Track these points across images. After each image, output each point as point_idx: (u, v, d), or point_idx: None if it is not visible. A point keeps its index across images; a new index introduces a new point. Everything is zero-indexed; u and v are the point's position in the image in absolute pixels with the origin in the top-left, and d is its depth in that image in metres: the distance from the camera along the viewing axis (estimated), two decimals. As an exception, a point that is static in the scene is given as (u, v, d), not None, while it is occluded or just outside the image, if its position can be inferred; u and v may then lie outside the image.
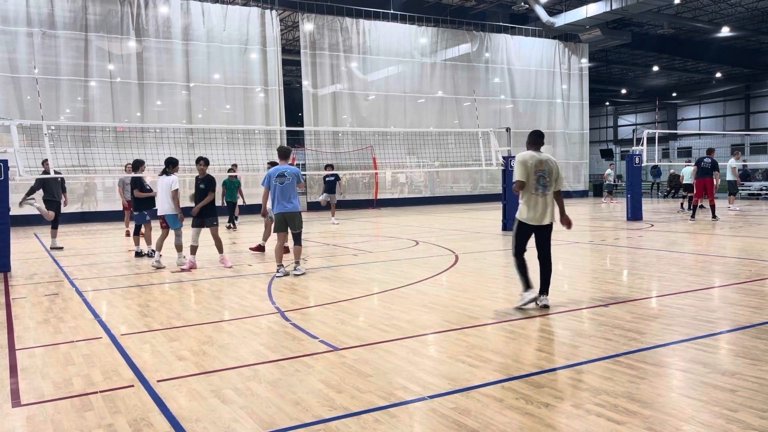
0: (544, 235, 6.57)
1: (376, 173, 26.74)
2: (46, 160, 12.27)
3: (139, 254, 11.42)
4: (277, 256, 8.95)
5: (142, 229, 11.65)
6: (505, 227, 15.06)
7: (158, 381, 4.41)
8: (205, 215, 9.82)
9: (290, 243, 9.77)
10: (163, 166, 9.98)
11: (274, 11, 24.34)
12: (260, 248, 11.62)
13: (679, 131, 46.95)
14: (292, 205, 8.77)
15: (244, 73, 23.99)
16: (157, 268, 9.85)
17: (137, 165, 11.41)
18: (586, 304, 6.66)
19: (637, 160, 17.62)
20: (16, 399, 4.14)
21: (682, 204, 21.45)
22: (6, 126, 11.80)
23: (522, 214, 6.48)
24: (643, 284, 8.00)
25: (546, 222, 6.50)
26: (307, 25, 25.27)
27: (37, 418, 3.81)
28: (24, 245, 13.81)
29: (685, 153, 46.52)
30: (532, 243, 6.59)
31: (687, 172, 20.68)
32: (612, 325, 5.69)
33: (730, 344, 5.09)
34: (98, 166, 18.74)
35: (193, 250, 9.87)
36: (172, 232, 10.13)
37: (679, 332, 5.40)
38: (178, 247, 10.05)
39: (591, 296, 7.08)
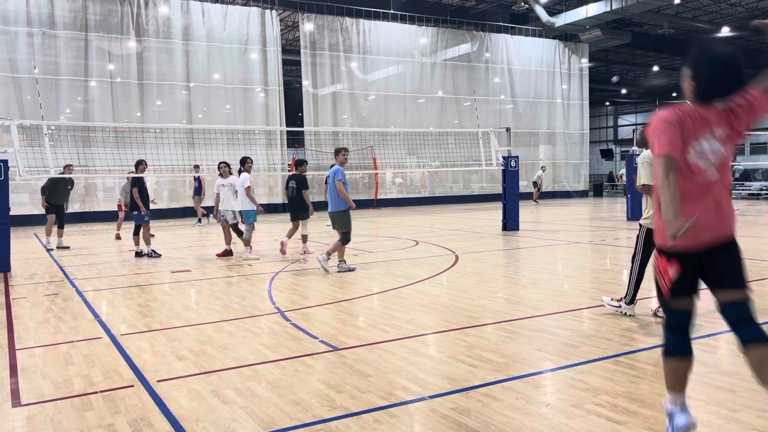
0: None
1: (376, 173, 26.73)
2: (70, 165, 13.00)
3: (139, 254, 11.43)
4: (340, 253, 9.35)
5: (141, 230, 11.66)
6: (505, 227, 15.07)
7: (158, 381, 4.42)
8: (299, 209, 10.96)
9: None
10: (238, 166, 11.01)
11: (274, 11, 24.34)
12: (227, 253, 11.15)
13: (679, 131, 46.87)
14: (333, 205, 9.23)
15: (244, 73, 23.98)
16: (252, 260, 10.49)
17: (138, 164, 11.71)
18: (586, 304, 6.66)
19: (637, 160, 17.62)
20: (16, 399, 4.14)
21: None
22: (6, 126, 11.80)
23: (652, 220, 5.65)
24: (643, 284, 7.98)
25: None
26: (307, 25, 25.27)
27: (37, 418, 3.81)
28: (24, 245, 13.81)
29: (685, 153, 46.45)
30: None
31: None
32: (612, 325, 5.69)
33: (730, 344, 5.09)
34: (98, 166, 18.76)
35: (305, 239, 11.22)
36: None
37: (679, 332, 5.40)
38: (246, 242, 10.67)
39: (591, 296, 7.08)
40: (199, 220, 18.40)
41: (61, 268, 10.28)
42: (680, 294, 3.07)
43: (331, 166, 9.52)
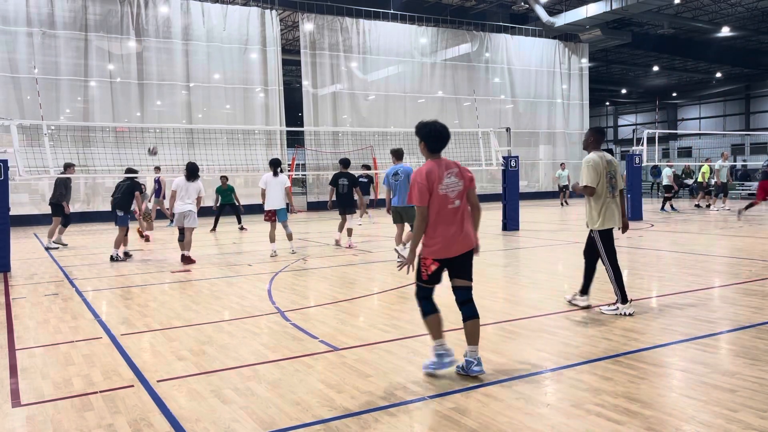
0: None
1: (377, 173, 26.73)
2: (72, 165, 12.92)
3: (124, 256, 11.14)
4: (397, 241, 9.89)
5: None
6: (505, 227, 15.06)
7: (158, 381, 4.41)
8: (347, 205, 11.81)
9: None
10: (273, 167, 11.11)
11: (274, 11, 24.34)
12: (188, 259, 10.52)
13: (679, 131, 46.92)
14: (403, 200, 9.55)
15: (244, 73, 23.98)
16: (273, 256, 10.92)
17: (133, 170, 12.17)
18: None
19: (637, 160, 17.61)
20: (16, 399, 4.14)
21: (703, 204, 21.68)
22: (6, 126, 11.80)
23: (600, 221, 6.07)
24: (643, 284, 8.00)
25: (615, 225, 6.14)
26: (307, 25, 25.26)
27: (37, 418, 3.81)
28: (24, 245, 13.81)
29: (686, 153, 46.51)
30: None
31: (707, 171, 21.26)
32: (612, 325, 5.69)
33: (730, 344, 5.09)
34: (98, 166, 18.74)
35: (350, 232, 12.05)
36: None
37: (679, 332, 5.40)
38: (290, 236, 11.31)
39: (591, 296, 7.07)
40: (171, 221, 17.92)
41: (61, 268, 10.28)
42: (433, 281, 4.51)
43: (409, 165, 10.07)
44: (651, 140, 20.63)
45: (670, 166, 23.93)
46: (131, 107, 22.20)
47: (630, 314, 6.06)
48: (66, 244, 13.23)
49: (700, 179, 21.87)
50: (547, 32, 30.83)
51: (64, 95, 21.13)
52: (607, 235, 6.12)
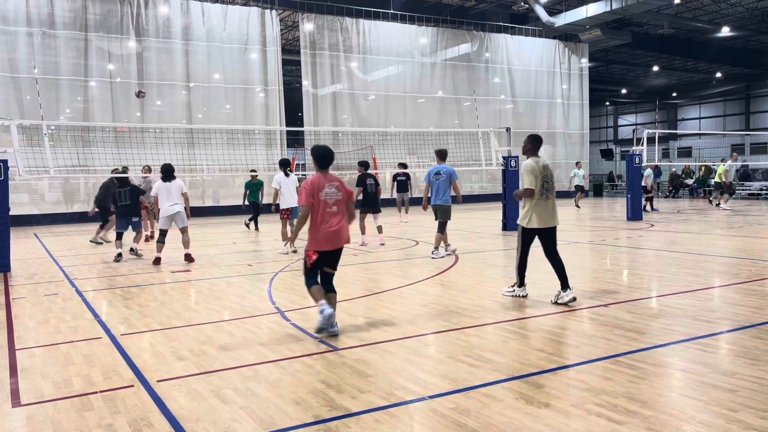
0: (552, 236, 6.77)
1: (377, 173, 26.71)
2: (117, 169, 13.38)
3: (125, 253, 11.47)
4: (437, 241, 10.35)
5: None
6: (505, 227, 15.06)
7: (158, 381, 4.41)
8: (375, 204, 12.30)
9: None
10: (282, 168, 11.70)
11: (274, 11, 24.34)
12: (157, 261, 10.46)
13: (679, 131, 46.92)
14: (443, 199, 10.14)
15: (244, 73, 23.99)
16: (284, 253, 11.25)
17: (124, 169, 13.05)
18: (586, 304, 6.66)
19: (637, 160, 17.61)
20: (16, 399, 4.14)
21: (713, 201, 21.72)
22: (6, 126, 11.80)
23: (528, 220, 6.67)
24: (643, 284, 8.00)
25: (554, 224, 6.79)
26: (307, 25, 25.27)
27: (37, 418, 3.81)
28: (24, 245, 13.81)
29: (686, 153, 46.50)
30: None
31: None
32: (612, 325, 5.69)
33: (730, 344, 5.09)
34: (98, 166, 18.74)
35: (380, 229, 12.49)
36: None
37: (679, 332, 5.40)
38: (285, 236, 11.61)
39: (591, 296, 7.08)
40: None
41: (61, 268, 10.28)
42: (315, 268, 5.64)
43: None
44: (651, 140, 20.62)
45: (653, 168, 23.95)
46: (131, 107, 22.21)
47: (524, 296, 6.91)
48: (101, 242, 13.71)
49: (717, 179, 21.88)
50: (547, 32, 30.83)
51: (64, 95, 21.14)
52: (530, 234, 6.74)
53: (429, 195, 10.28)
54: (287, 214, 11.60)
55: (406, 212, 18.20)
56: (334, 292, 5.74)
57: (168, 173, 10.45)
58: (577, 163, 25.77)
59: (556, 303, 6.55)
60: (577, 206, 22.98)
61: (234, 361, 4.85)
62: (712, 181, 29.78)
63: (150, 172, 16.10)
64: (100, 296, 7.82)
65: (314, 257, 5.57)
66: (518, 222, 6.85)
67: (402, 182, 17.94)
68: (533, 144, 6.75)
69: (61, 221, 20.33)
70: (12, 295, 7.93)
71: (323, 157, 5.72)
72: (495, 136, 16.30)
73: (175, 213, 10.31)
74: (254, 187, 16.22)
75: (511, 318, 6.10)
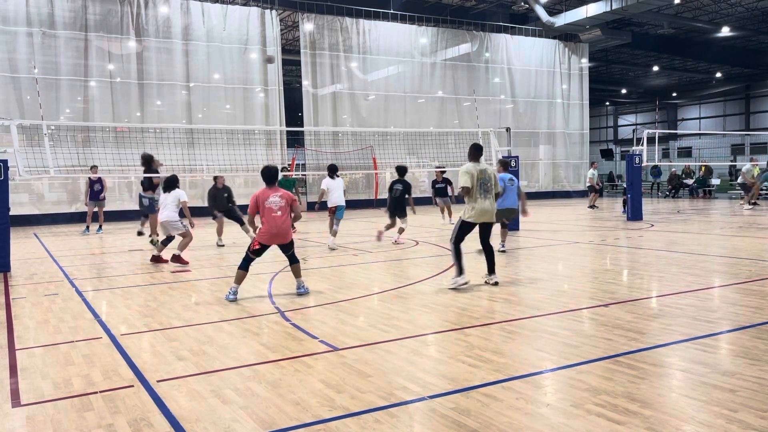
0: (487, 229, 7.74)
1: (377, 173, 26.73)
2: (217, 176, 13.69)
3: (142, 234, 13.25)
4: (504, 236, 11.17)
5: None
6: (504, 227, 15.04)
7: (158, 381, 4.41)
8: (401, 209, 12.61)
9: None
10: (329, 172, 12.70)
11: (274, 11, 24.34)
12: (160, 259, 10.70)
13: (679, 131, 46.92)
14: (511, 202, 10.71)
15: (244, 73, 23.98)
16: (332, 249, 11.93)
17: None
18: (586, 304, 6.66)
19: (637, 160, 17.61)
20: (16, 399, 4.14)
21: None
22: (6, 126, 11.80)
23: (468, 215, 7.53)
24: (643, 284, 8.00)
25: (490, 221, 7.64)
26: (307, 25, 25.26)
27: (37, 418, 3.81)
28: (24, 245, 13.81)
29: (686, 153, 46.51)
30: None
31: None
32: (612, 325, 5.70)
33: (730, 344, 5.09)
34: (98, 166, 18.72)
35: (401, 231, 12.88)
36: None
37: (679, 332, 5.40)
38: (335, 233, 12.42)
39: (591, 296, 7.08)
40: (88, 228, 16.41)
41: (61, 268, 10.28)
42: (257, 254, 7.29)
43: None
44: (651, 140, 20.61)
45: (595, 168, 23.96)
46: (131, 107, 22.20)
47: (465, 283, 7.44)
48: (141, 233, 13.75)
49: (742, 180, 21.96)
50: (547, 32, 30.83)
51: (64, 95, 21.13)
52: (467, 227, 7.56)
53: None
54: (333, 211, 12.51)
55: (450, 216, 17.66)
56: (296, 262, 7.51)
57: (168, 185, 10.46)
58: (593, 164, 25.49)
59: (486, 283, 7.57)
60: (593, 207, 22.50)
61: (234, 361, 4.85)
62: (690, 182, 29.91)
63: (96, 171, 16.08)
64: (100, 296, 7.82)
65: (257, 246, 7.28)
66: (461, 216, 7.64)
67: (442, 189, 17.66)
68: (473, 152, 7.58)
69: (61, 221, 20.33)
70: (12, 295, 7.94)
71: (267, 175, 7.38)
72: (495, 136, 16.29)
73: (165, 222, 10.33)
74: (288, 184, 15.89)
75: (511, 318, 6.10)
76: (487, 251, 7.82)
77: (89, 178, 15.94)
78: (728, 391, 3.96)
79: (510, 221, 11.35)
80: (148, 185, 12.78)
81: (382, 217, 20.63)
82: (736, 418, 3.54)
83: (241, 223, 13.45)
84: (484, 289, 7.65)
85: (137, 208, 14.67)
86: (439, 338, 5.47)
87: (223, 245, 13.18)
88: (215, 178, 13.62)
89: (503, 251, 10.94)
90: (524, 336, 5.46)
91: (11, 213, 10.35)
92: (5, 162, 9.94)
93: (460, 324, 5.90)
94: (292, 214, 7.43)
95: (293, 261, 7.51)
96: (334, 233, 12.42)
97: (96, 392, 4.22)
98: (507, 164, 11.32)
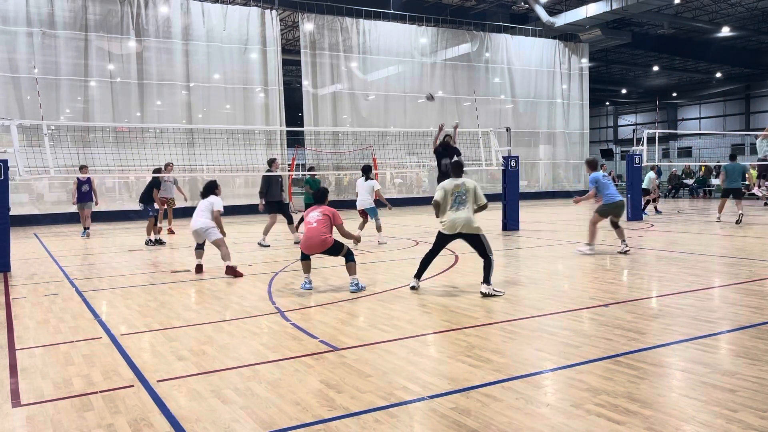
0: (470, 241, 7.59)
1: (377, 173, 26.71)
2: (274, 159, 13.62)
3: (151, 242, 13.42)
4: (590, 236, 10.78)
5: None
6: (505, 227, 15.07)
7: (158, 381, 4.41)
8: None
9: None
10: (363, 173, 12.95)
11: (274, 11, 24.34)
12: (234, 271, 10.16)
13: (679, 131, 46.92)
14: (611, 197, 10.70)
15: (244, 73, 23.98)
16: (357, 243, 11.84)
17: (159, 170, 14.10)
18: (586, 304, 6.66)
19: (637, 160, 17.61)
20: (16, 399, 4.14)
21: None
22: (6, 126, 11.80)
23: (441, 225, 7.66)
24: (643, 284, 8.00)
25: (461, 231, 7.51)
26: (307, 25, 25.26)
27: (37, 418, 3.81)
28: (24, 245, 13.81)
29: (686, 153, 46.50)
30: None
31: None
32: (612, 325, 5.70)
33: (730, 344, 5.09)
34: (98, 166, 18.73)
35: (378, 228, 13.09)
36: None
37: (679, 332, 5.40)
38: (379, 228, 12.92)
39: (591, 296, 7.08)
40: (85, 230, 15.75)
41: (61, 268, 10.28)
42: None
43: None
44: (651, 140, 20.60)
45: (604, 170, 23.85)
46: (131, 107, 22.20)
47: (412, 287, 7.58)
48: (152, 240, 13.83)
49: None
50: (547, 32, 30.83)
51: (64, 95, 21.13)
52: (439, 236, 7.65)
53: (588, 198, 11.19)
54: (362, 214, 12.95)
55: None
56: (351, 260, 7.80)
57: (206, 189, 9.60)
58: (602, 166, 25.32)
59: (483, 294, 7.25)
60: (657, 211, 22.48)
61: (234, 361, 4.85)
62: (690, 182, 29.88)
63: (86, 171, 15.42)
64: (100, 296, 7.82)
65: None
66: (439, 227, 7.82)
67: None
68: (454, 170, 7.79)
69: (61, 221, 20.33)
70: (12, 295, 7.94)
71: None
72: (495, 136, 16.29)
73: (197, 229, 9.37)
74: (314, 184, 15.06)
75: (511, 318, 6.10)
76: (485, 263, 7.52)
77: (77, 178, 15.22)
78: (728, 391, 3.96)
79: (618, 218, 10.98)
80: (147, 199, 13.56)
81: (382, 217, 20.63)
82: (736, 418, 3.54)
83: (290, 221, 13.22)
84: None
85: (138, 208, 14.71)
86: (439, 338, 5.47)
87: (267, 246, 12.50)
88: (271, 161, 13.29)
89: (627, 251, 10.46)
90: (524, 336, 5.46)
91: (11, 213, 10.35)
92: (5, 162, 9.94)
93: (460, 324, 5.90)
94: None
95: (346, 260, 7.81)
96: (377, 228, 12.89)
97: (96, 392, 4.22)
98: (594, 163, 11.29)
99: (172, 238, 15.02)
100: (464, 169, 7.81)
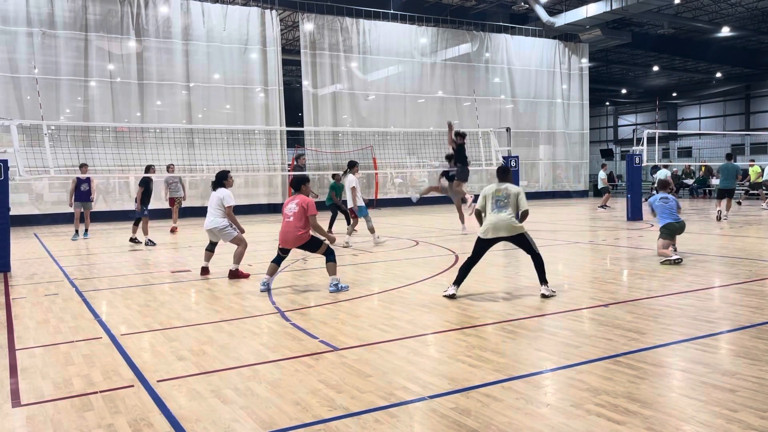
0: (517, 242, 7.45)
1: (377, 173, 26.73)
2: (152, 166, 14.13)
3: (133, 240, 13.57)
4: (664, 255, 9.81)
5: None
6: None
7: (158, 381, 4.42)
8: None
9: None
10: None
11: (274, 11, 24.33)
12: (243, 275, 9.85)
13: (679, 131, 46.90)
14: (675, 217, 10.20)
15: (244, 73, 23.97)
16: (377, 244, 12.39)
17: (149, 168, 13.95)
18: (586, 304, 6.66)
19: (637, 160, 17.61)
20: (16, 399, 4.14)
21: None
22: (6, 126, 11.80)
23: (480, 231, 7.44)
24: (643, 284, 8.00)
25: (505, 234, 7.33)
26: (307, 25, 25.26)
27: (37, 418, 3.81)
28: (24, 245, 13.81)
29: (686, 153, 46.48)
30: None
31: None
32: (612, 325, 5.70)
33: (730, 344, 5.10)
34: (98, 166, 18.73)
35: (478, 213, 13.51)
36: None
37: (679, 332, 5.40)
38: (371, 230, 12.72)
39: (591, 296, 7.08)
40: (77, 232, 15.15)
41: (61, 268, 10.28)
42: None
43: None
44: (651, 140, 20.60)
45: (605, 170, 23.89)
46: (131, 107, 22.18)
47: (451, 296, 7.09)
48: (135, 240, 13.82)
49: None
50: (547, 32, 30.82)
51: (64, 95, 21.12)
52: (479, 242, 7.39)
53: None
54: (352, 213, 12.92)
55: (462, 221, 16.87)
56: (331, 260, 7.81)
57: (216, 180, 9.07)
58: (603, 165, 25.31)
59: (544, 296, 7.07)
60: (605, 207, 22.09)
61: (234, 361, 4.85)
62: (690, 182, 29.97)
63: (86, 171, 14.91)
64: (100, 296, 7.82)
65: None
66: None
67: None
68: (499, 174, 7.68)
69: (61, 221, 20.31)
70: (12, 295, 7.94)
71: (300, 180, 7.95)
72: (495, 136, 16.30)
73: (211, 228, 8.97)
74: (339, 189, 14.68)
75: (511, 318, 6.10)
76: (534, 261, 7.44)
77: (77, 177, 14.64)
78: (728, 391, 3.96)
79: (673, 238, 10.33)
80: (143, 200, 13.70)
81: (380, 217, 20.65)
82: (736, 418, 3.54)
83: (349, 221, 13.29)
84: (484, 290, 7.65)
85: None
86: (439, 338, 5.47)
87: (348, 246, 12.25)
88: (353, 164, 13.34)
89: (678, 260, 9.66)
90: (524, 336, 5.46)
91: (11, 213, 10.35)
92: (5, 162, 9.94)
93: (460, 324, 5.91)
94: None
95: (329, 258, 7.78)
96: (369, 230, 12.77)
97: (96, 392, 4.22)
98: (660, 183, 11.01)
99: (174, 237, 15.02)
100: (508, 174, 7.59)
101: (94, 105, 21.57)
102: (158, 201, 20.98)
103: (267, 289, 7.71)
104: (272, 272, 7.86)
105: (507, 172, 7.69)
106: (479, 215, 7.52)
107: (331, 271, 7.69)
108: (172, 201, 16.77)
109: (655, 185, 19.03)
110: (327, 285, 7.80)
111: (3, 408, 3.99)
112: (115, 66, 22.08)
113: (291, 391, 4.16)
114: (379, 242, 12.64)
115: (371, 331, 5.70)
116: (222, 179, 8.96)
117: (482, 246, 7.40)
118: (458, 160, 14.02)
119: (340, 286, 7.68)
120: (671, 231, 10.25)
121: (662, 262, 9.53)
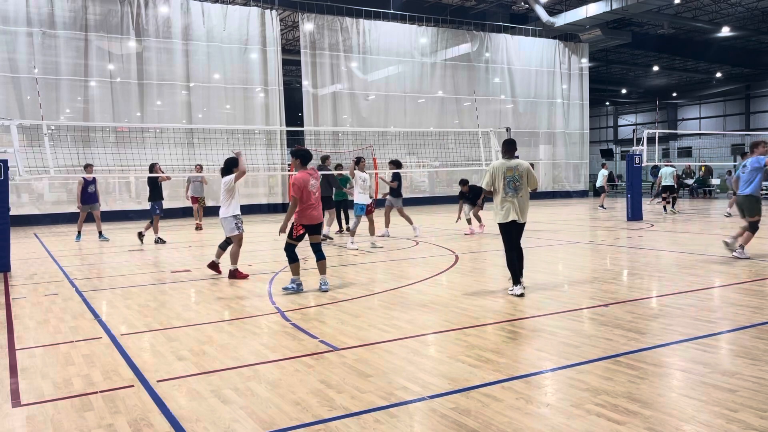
0: (518, 230, 7.23)
1: (377, 173, 26.73)
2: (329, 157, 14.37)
3: (140, 235, 13.66)
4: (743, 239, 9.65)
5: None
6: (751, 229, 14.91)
7: (158, 381, 4.42)
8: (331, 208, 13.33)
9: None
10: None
11: (274, 11, 24.33)
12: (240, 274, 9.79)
13: (679, 131, 46.89)
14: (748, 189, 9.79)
15: (244, 73, 23.98)
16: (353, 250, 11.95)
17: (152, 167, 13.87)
18: (586, 304, 6.66)
19: (637, 160, 17.61)
20: (16, 399, 4.14)
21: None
22: (6, 126, 11.80)
23: (498, 216, 7.22)
24: (643, 284, 8.00)
25: (517, 220, 7.15)
26: (307, 25, 25.26)
27: (37, 418, 3.81)
28: (24, 245, 13.81)
29: (686, 153, 46.45)
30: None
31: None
32: (612, 325, 5.70)
33: (730, 344, 5.09)
34: (98, 166, 18.71)
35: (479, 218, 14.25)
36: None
37: (679, 332, 5.40)
38: (352, 231, 12.60)
39: (591, 296, 7.08)
40: (79, 234, 14.86)
41: (61, 268, 10.28)
42: (298, 240, 7.55)
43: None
44: (651, 140, 20.59)
45: (606, 169, 23.81)
46: (131, 107, 22.19)
47: (520, 295, 6.95)
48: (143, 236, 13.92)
49: None
50: (547, 32, 30.82)
51: (64, 95, 21.12)
52: (504, 228, 7.17)
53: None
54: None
55: (470, 223, 16.73)
56: (322, 258, 7.75)
57: (226, 167, 8.88)
58: (603, 164, 25.29)
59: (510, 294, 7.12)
60: (602, 207, 22.14)
61: (234, 361, 4.85)
62: (690, 182, 29.93)
63: (91, 171, 14.88)
64: (100, 296, 7.82)
65: (301, 231, 7.58)
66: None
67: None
68: (504, 147, 7.39)
69: (61, 221, 20.32)
70: (12, 295, 7.94)
71: (306, 157, 7.82)
72: (495, 136, 16.29)
73: (221, 219, 8.89)
74: (343, 183, 14.79)
75: (511, 318, 6.10)
76: (518, 255, 7.18)
77: (83, 178, 14.50)
78: (728, 391, 3.96)
79: (744, 217, 9.75)
80: (153, 197, 13.79)
81: (380, 217, 20.63)
82: (736, 418, 3.54)
83: (347, 220, 13.40)
84: (484, 289, 7.65)
85: (137, 208, 14.74)
86: (439, 338, 5.47)
87: (380, 247, 12.21)
88: (324, 158, 13.57)
89: (745, 257, 9.48)
90: (524, 336, 5.46)
91: (11, 213, 10.35)
92: (5, 162, 9.94)
93: (460, 324, 5.90)
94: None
95: (320, 256, 7.76)
96: (351, 232, 12.56)
97: (96, 392, 4.22)
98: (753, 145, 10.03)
99: (174, 238, 15.01)
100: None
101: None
102: (176, 200, 21.10)
103: (300, 289, 7.63)
104: (298, 270, 7.71)
105: (514, 146, 7.28)
106: (488, 193, 7.37)
107: (321, 270, 7.77)
108: (194, 199, 17.38)
109: (656, 185, 18.99)
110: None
111: (3, 408, 3.99)
112: (115, 66, 22.08)
113: (291, 391, 4.16)
114: (352, 248, 11.86)
115: (371, 331, 5.70)
116: (232, 167, 8.78)
117: (508, 230, 7.12)
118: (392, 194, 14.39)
119: (293, 287, 7.64)
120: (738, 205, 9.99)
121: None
